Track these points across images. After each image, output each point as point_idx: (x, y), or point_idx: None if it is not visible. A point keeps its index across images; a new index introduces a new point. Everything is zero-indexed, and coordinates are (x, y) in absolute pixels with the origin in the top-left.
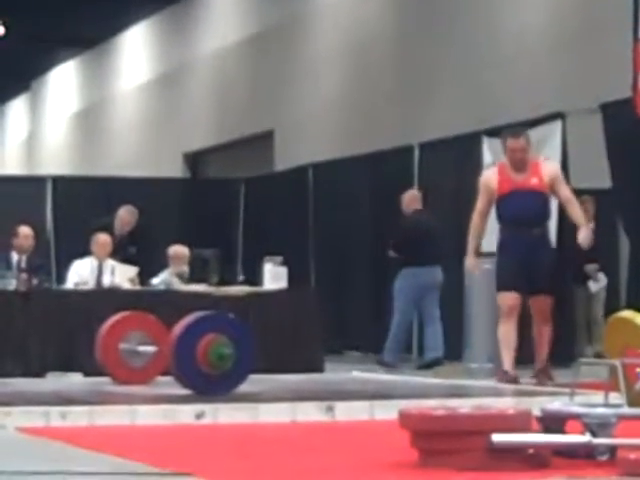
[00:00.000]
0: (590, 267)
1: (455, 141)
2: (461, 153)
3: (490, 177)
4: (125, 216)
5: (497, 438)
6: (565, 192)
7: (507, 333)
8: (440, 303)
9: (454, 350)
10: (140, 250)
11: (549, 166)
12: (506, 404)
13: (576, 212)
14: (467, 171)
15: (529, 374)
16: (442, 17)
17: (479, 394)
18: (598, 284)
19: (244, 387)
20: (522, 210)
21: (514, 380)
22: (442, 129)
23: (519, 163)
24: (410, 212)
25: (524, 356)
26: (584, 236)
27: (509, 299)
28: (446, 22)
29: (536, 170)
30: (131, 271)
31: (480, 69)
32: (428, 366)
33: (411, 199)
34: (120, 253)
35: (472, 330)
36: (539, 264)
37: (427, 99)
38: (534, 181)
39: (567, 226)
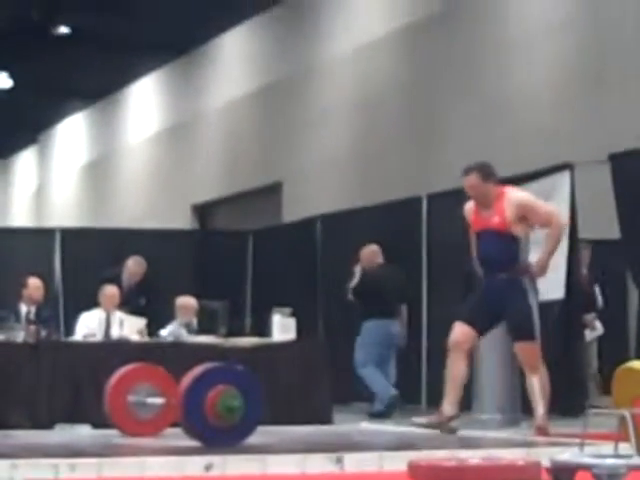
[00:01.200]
0: (588, 316)
1: (462, 192)
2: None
3: (467, 211)
4: (133, 267)
5: None
6: (539, 217)
7: (449, 368)
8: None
9: (463, 401)
10: (149, 301)
11: (513, 197)
12: (516, 455)
13: (547, 239)
14: None
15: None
16: (451, 70)
17: (489, 445)
18: (594, 333)
19: (253, 439)
20: (485, 253)
21: (441, 422)
22: (450, 180)
23: (479, 200)
24: (372, 267)
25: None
26: (539, 265)
27: (456, 333)
28: (455, 75)
29: (499, 206)
30: (140, 323)
31: (489, 120)
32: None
33: (371, 254)
34: (129, 304)
35: (481, 381)
36: (510, 310)
37: (435, 150)
38: (495, 220)
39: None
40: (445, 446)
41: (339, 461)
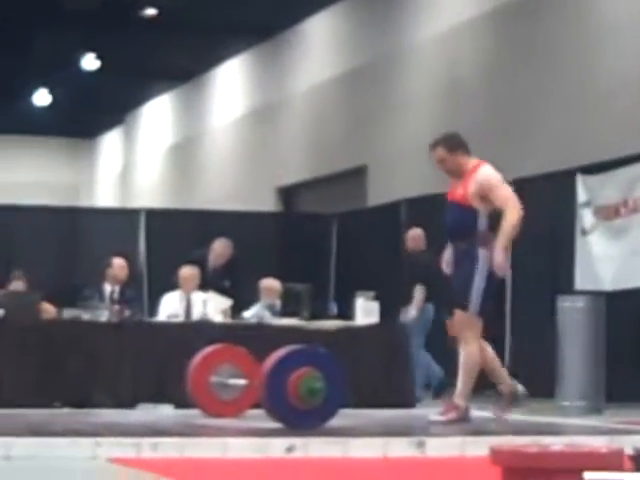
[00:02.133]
0: None
1: (549, 178)
2: (555, 190)
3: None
4: (220, 249)
5: (589, 476)
6: (498, 200)
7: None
8: (533, 339)
9: (546, 388)
10: (233, 283)
11: (480, 174)
12: (598, 442)
13: (502, 225)
14: (560, 208)
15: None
16: (538, 54)
17: (571, 432)
18: None
19: (335, 421)
20: (448, 222)
21: (460, 417)
22: (536, 166)
23: (450, 172)
24: (416, 251)
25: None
26: (497, 262)
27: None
28: (542, 59)
29: (467, 179)
30: (225, 303)
31: (577, 105)
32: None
33: (416, 239)
34: (214, 285)
35: (565, 368)
36: (454, 276)
37: (521, 135)
38: (459, 192)
39: None
40: (527, 432)
41: (421, 445)
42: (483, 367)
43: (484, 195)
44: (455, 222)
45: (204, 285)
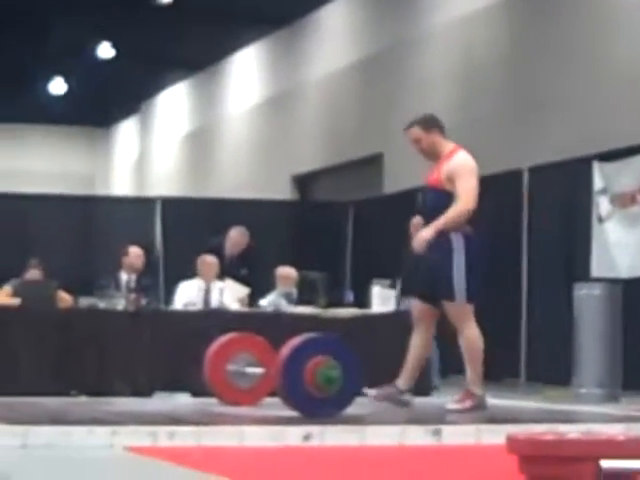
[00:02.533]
0: None
1: (565, 165)
2: (571, 178)
3: None
4: (236, 237)
5: (606, 464)
6: (459, 189)
7: (410, 343)
8: (549, 327)
9: (563, 375)
10: (250, 272)
11: (453, 159)
12: (616, 430)
13: (448, 210)
14: (577, 196)
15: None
16: (555, 40)
17: (588, 420)
18: None
19: (351, 409)
20: (422, 206)
21: (391, 393)
22: (552, 153)
23: (425, 154)
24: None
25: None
26: (420, 236)
27: (413, 309)
28: (557, 45)
29: (442, 163)
30: (242, 291)
31: (593, 92)
32: None
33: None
34: (231, 274)
35: (581, 355)
36: (431, 265)
37: (537, 122)
38: (434, 176)
39: None
40: (544, 420)
41: (437, 434)
42: (408, 356)
43: (451, 179)
44: (429, 205)
45: (221, 273)
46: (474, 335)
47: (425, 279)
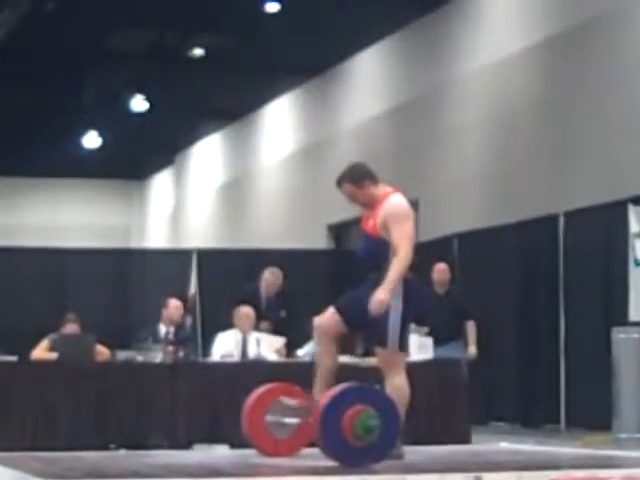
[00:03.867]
0: None
1: (601, 209)
2: (607, 221)
3: None
4: (270, 277)
5: None
6: (395, 235)
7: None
8: (588, 372)
9: (603, 420)
10: (289, 314)
11: (388, 204)
12: None
13: (393, 262)
14: (613, 239)
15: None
16: (587, 85)
17: (629, 465)
18: None
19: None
20: (358, 254)
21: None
22: (587, 197)
23: (363, 205)
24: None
25: None
26: (376, 299)
27: (322, 316)
28: (592, 90)
29: (377, 209)
30: (278, 342)
31: (626, 135)
32: None
33: (442, 273)
34: (269, 317)
35: (621, 400)
36: (368, 310)
37: (572, 167)
38: (370, 223)
39: None
40: (584, 465)
41: None
42: (323, 368)
43: (387, 226)
44: (365, 253)
45: (260, 318)
46: (401, 384)
47: (359, 312)
